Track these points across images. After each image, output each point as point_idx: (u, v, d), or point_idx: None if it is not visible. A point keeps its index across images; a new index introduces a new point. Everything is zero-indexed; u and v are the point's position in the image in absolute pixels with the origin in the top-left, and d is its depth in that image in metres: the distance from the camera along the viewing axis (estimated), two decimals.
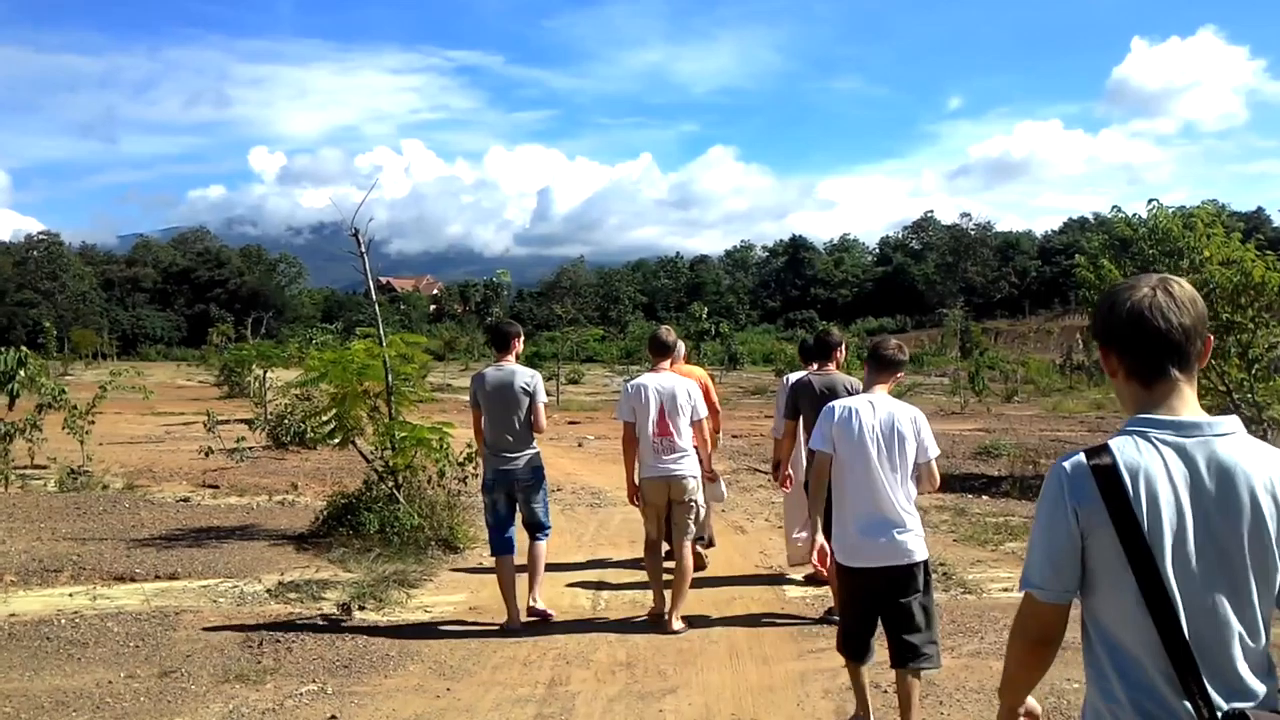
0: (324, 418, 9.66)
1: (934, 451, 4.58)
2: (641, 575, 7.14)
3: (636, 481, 6.49)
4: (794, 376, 7.29)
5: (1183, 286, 1.94)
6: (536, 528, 6.61)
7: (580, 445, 16.94)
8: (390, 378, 8.92)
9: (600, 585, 7.60)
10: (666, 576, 6.60)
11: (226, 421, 16.70)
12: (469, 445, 9.47)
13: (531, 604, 6.60)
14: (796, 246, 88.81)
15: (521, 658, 5.92)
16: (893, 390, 4.73)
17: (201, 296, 75.86)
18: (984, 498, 11.69)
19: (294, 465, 14.54)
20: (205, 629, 6.40)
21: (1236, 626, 1.84)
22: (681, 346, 7.69)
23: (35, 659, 5.85)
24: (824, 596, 6.83)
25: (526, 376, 6.52)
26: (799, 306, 78.72)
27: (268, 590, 7.36)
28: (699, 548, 7.51)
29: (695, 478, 6.45)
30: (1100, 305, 2.02)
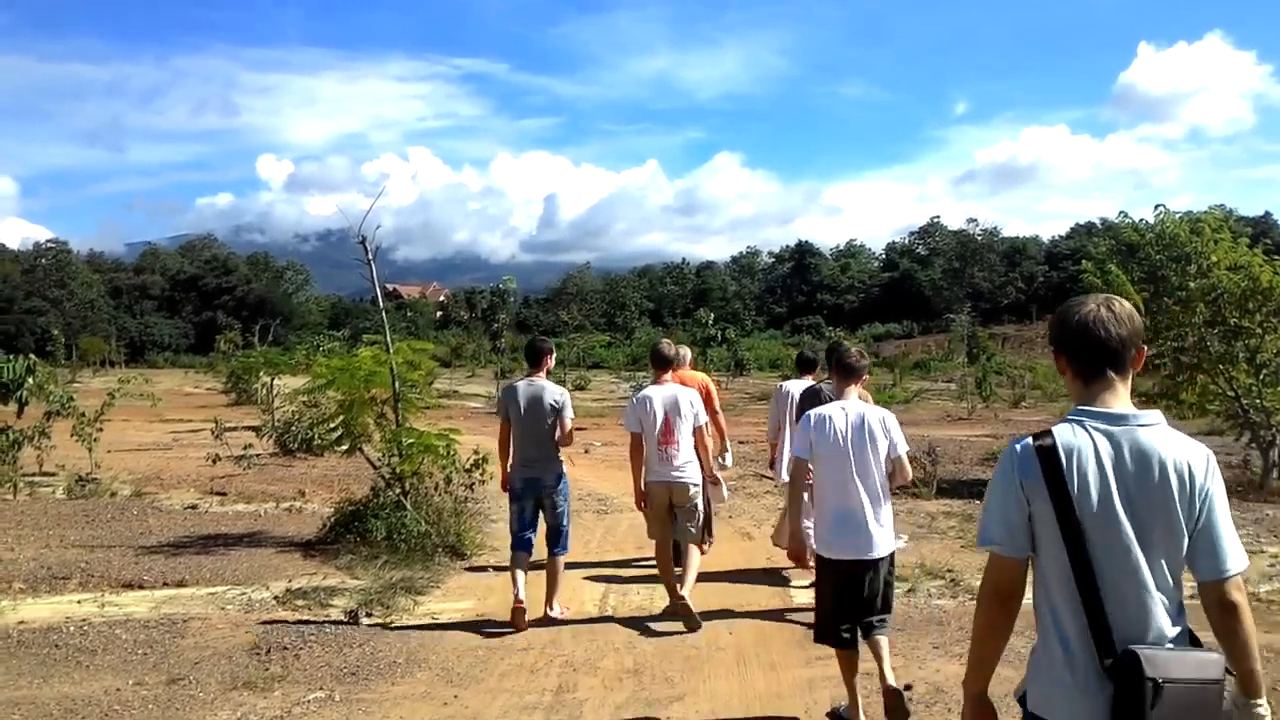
0: (331, 424, 9.68)
1: (903, 447, 4.99)
2: (648, 581, 7.36)
3: (643, 487, 6.73)
4: (789, 384, 7.87)
5: (1122, 304, 2.35)
6: (557, 534, 6.89)
7: (586, 451, 16.92)
8: (397, 384, 8.93)
9: (607, 592, 7.59)
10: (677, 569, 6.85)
11: (234, 428, 16.73)
12: (475, 451, 9.51)
13: (548, 613, 6.83)
14: (803, 252, 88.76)
15: (529, 665, 5.92)
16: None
17: (209, 304, 76.07)
18: None
19: (301, 472, 14.56)
20: (213, 636, 6.41)
21: (1151, 581, 2.22)
22: (686, 352, 8.16)
23: (44, 666, 5.87)
24: None
25: (556, 393, 6.88)
26: (805, 312, 78.67)
27: (275, 597, 7.37)
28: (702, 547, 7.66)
29: (697, 484, 6.75)
30: (1055, 317, 2.44)
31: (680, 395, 6.73)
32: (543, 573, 6.94)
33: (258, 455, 15.25)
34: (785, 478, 7.03)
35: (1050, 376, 36.13)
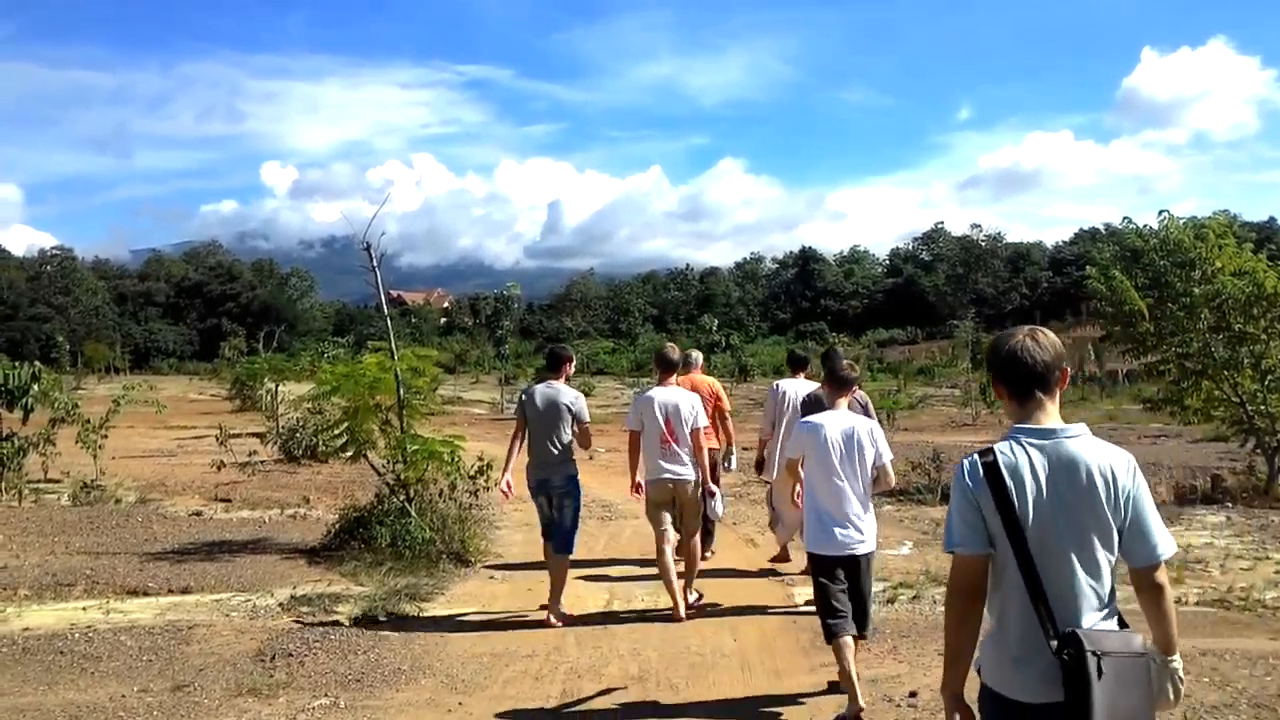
0: (336, 431, 9.69)
1: (888, 456, 5.46)
2: (653, 586, 7.39)
3: (640, 480, 7.09)
4: (783, 384, 8.30)
5: (1045, 334, 2.70)
6: (561, 534, 7.04)
7: (591, 458, 16.88)
8: (402, 391, 8.94)
9: (611, 598, 7.59)
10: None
11: (239, 435, 16.75)
12: (480, 458, 9.51)
13: (548, 618, 6.90)
14: (806, 258, 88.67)
15: (533, 672, 5.92)
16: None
17: (214, 310, 76.15)
18: None
19: (306, 478, 14.57)
20: (218, 643, 6.41)
21: (1082, 572, 2.59)
22: (698, 356, 8.65)
23: (49, 673, 5.88)
24: None
25: (571, 396, 7.12)
26: (809, 318, 78.55)
27: (280, 604, 7.37)
28: (705, 550, 8.13)
29: (697, 481, 7.00)
30: (989, 348, 2.81)
31: (681, 398, 6.99)
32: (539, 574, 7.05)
33: (262, 462, 15.26)
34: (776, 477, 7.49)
35: None
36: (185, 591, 7.75)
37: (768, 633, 6.64)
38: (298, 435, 16.48)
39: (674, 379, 7.22)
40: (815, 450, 5.35)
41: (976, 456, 2.64)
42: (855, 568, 5.31)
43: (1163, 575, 2.68)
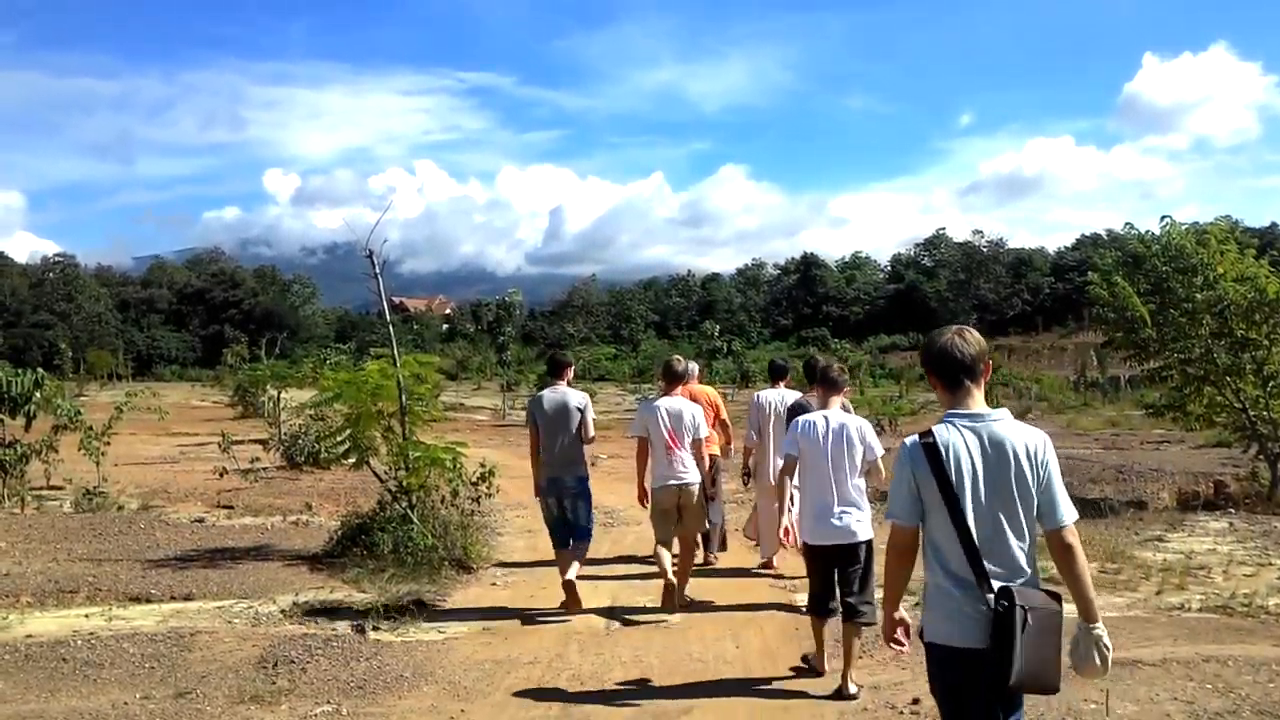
0: (338, 438, 9.70)
1: (879, 452, 5.85)
2: (655, 593, 7.44)
3: (647, 487, 7.38)
4: (764, 394, 8.57)
5: (971, 333, 3.17)
6: (580, 529, 7.49)
7: (594, 464, 16.90)
8: (404, 398, 8.95)
9: (614, 605, 7.59)
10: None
11: (241, 442, 16.76)
12: (482, 464, 9.52)
13: (567, 578, 7.29)
14: (808, 264, 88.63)
15: (535, 678, 5.92)
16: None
17: (216, 317, 76.17)
18: None
19: (308, 485, 14.57)
20: (220, 650, 6.41)
21: (1010, 533, 3.04)
22: (694, 367, 8.80)
23: (52, 680, 5.88)
24: None
25: (578, 398, 7.53)
26: (811, 324, 78.52)
27: (282, 611, 7.37)
28: (709, 555, 8.76)
29: (700, 484, 7.31)
30: (923, 346, 3.24)
31: (685, 408, 7.32)
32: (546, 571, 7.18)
33: (264, 469, 15.27)
34: (769, 481, 7.89)
35: (1056, 388, 36.13)
36: (188, 598, 7.75)
37: (769, 640, 6.64)
38: (300, 442, 16.49)
39: (679, 389, 7.59)
40: (809, 446, 5.78)
41: (917, 437, 3.09)
42: (851, 557, 5.70)
43: (1072, 537, 3.07)
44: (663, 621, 7.07)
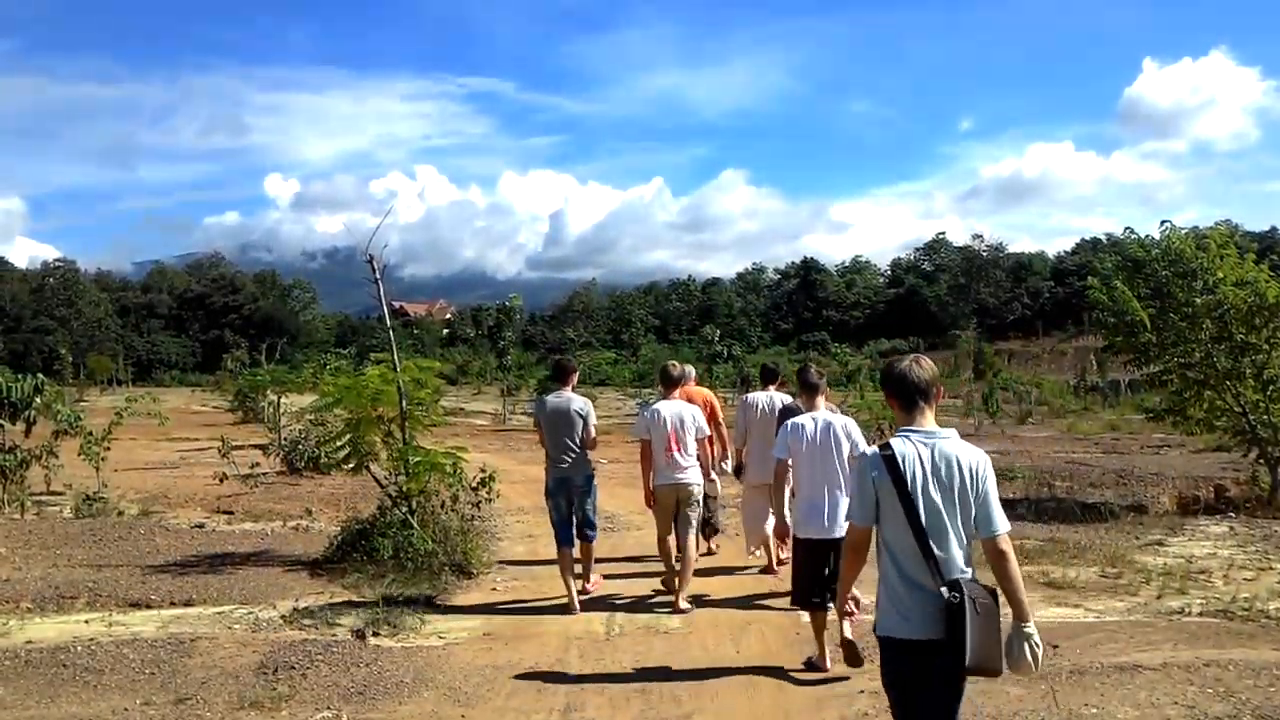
0: (338, 443, 9.70)
1: (863, 446, 6.00)
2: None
3: (651, 488, 7.69)
4: (753, 396, 8.87)
5: (926, 361, 3.63)
6: (586, 525, 7.79)
7: (595, 468, 16.92)
8: (404, 403, 8.95)
9: (614, 610, 7.58)
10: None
11: (241, 447, 16.77)
12: (482, 469, 9.53)
13: (585, 588, 7.86)
14: (808, 268, 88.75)
15: (536, 684, 5.91)
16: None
17: (216, 322, 76.26)
18: None
19: (308, 490, 14.56)
20: (220, 656, 6.40)
21: (953, 536, 3.40)
22: (691, 370, 9.36)
23: (52, 686, 5.87)
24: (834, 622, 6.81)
25: (580, 403, 7.76)
26: (811, 329, 78.60)
27: (282, 616, 7.36)
28: (709, 543, 9.35)
29: (699, 484, 7.74)
30: (883, 371, 3.73)
31: (684, 410, 7.70)
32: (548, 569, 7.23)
33: (264, 474, 15.27)
34: (755, 479, 8.29)
35: (1057, 392, 36.14)
36: (188, 604, 7.75)
37: (770, 644, 6.63)
38: (300, 447, 16.49)
39: (677, 393, 7.99)
40: (799, 446, 6.19)
41: (877, 448, 3.51)
42: (834, 548, 5.87)
43: (1005, 545, 3.44)
44: (663, 627, 7.08)
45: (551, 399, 7.82)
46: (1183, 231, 12.67)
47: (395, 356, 9.19)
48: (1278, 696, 5.33)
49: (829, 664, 5.92)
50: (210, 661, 6.29)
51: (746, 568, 8.90)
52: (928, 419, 3.52)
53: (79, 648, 6.52)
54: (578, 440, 7.68)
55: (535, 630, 7.08)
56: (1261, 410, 11.86)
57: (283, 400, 20.80)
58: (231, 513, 12.39)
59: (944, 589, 3.30)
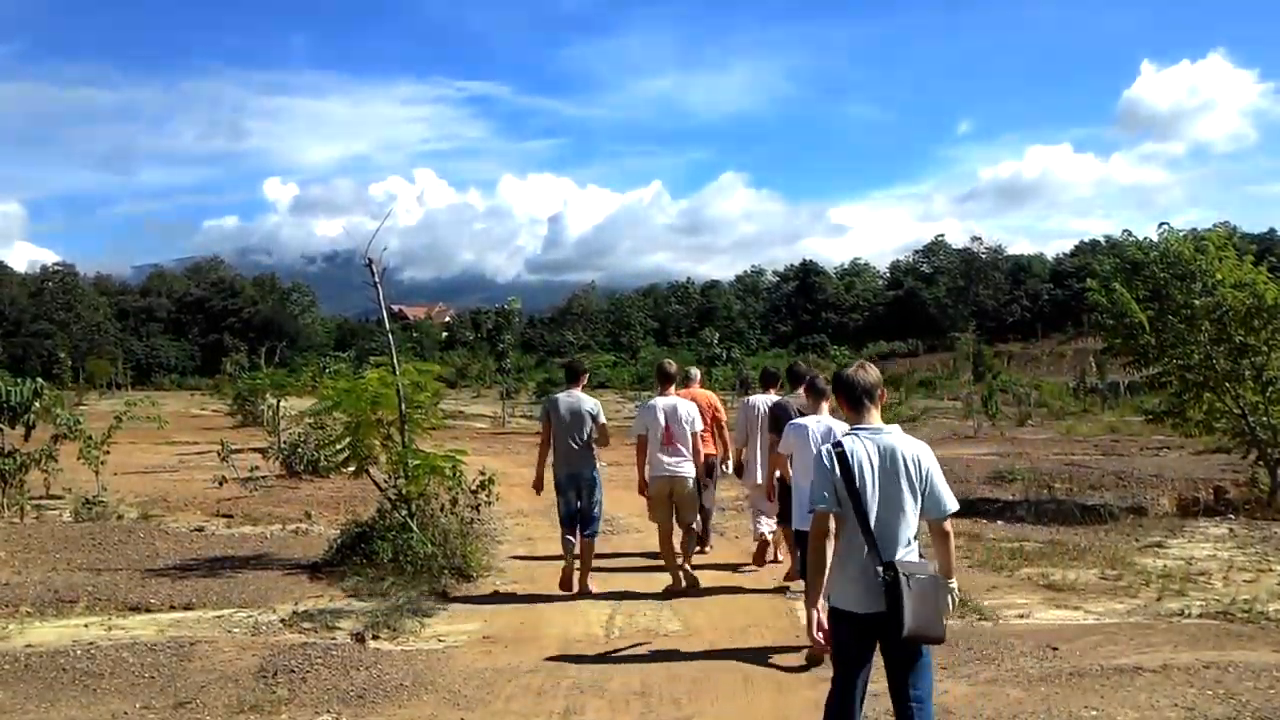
0: (338, 446, 9.70)
1: None
2: (655, 600, 7.70)
3: (647, 479, 8.04)
4: (754, 399, 9.15)
5: (871, 367, 4.13)
6: (590, 520, 8.08)
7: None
8: (403, 406, 8.95)
9: (614, 613, 7.58)
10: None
11: (240, 450, 16.77)
12: (481, 472, 9.52)
13: (583, 587, 8.05)
14: (807, 271, 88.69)
15: (535, 687, 5.91)
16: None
17: (215, 326, 76.17)
18: (998, 523, 11.62)
19: (308, 494, 14.55)
20: (220, 659, 6.40)
21: (898, 522, 3.86)
22: (696, 372, 9.94)
23: (51, 690, 5.86)
24: None
25: (590, 403, 8.13)
26: (810, 331, 78.56)
27: (282, 620, 7.36)
28: (703, 548, 9.32)
29: (693, 477, 7.98)
30: (834, 375, 4.34)
31: (679, 405, 8.00)
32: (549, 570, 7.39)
33: (264, 477, 15.25)
34: (758, 481, 8.68)
35: (1056, 394, 36.12)
36: (187, 608, 7.74)
37: (771, 646, 6.63)
38: (299, 450, 16.47)
39: (673, 389, 8.25)
40: (801, 445, 6.46)
41: (830, 447, 3.94)
42: None
43: (949, 525, 3.98)
44: (663, 629, 7.08)
45: (563, 398, 8.15)
46: (1181, 233, 12.69)
47: (394, 359, 9.19)
48: (1278, 698, 5.33)
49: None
50: (210, 665, 6.28)
51: (743, 565, 9.13)
52: (874, 417, 4.00)
53: (78, 651, 6.51)
54: (586, 438, 8.01)
55: (535, 633, 7.08)
56: (1261, 412, 11.86)
57: (282, 403, 20.78)
58: (231, 516, 12.38)
59: (879, 568, 3.76)
